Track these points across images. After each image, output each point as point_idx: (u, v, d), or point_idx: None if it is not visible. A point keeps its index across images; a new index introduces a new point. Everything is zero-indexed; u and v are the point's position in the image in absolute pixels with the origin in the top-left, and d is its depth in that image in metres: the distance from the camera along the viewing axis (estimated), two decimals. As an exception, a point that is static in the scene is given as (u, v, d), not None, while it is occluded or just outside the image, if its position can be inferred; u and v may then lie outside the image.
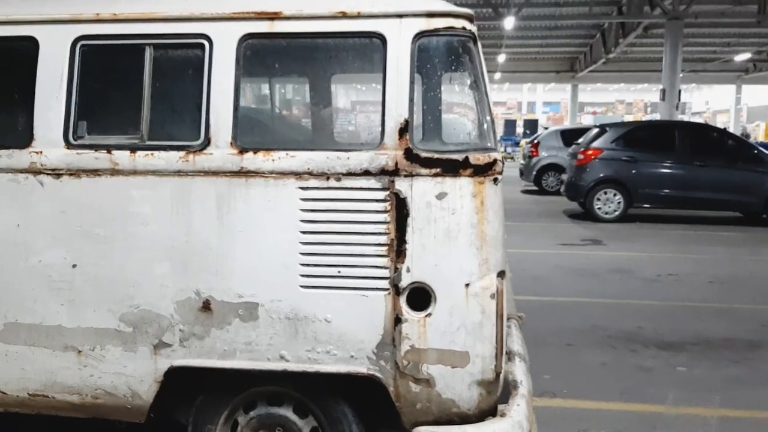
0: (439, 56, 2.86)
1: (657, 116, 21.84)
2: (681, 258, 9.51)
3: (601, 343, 5.81)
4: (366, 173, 2.76)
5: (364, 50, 2.88)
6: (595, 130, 13.71)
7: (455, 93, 2.86)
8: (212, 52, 2.84)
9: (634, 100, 57.67)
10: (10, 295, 2.96)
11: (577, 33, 28.40)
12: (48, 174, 2.90)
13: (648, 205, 12.76)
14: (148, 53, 2.88)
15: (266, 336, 2.85)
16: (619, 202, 12.68)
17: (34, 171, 2.90)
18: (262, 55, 2.91)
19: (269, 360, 2.86)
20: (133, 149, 2.87)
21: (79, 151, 2.89)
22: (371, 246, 2.77)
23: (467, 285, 2.76)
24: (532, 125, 37.44)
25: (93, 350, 2.94)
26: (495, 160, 2.78)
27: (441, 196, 2.74)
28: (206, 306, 2.87)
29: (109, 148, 2.87)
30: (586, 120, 44.37)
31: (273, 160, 2.79)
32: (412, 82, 2.77)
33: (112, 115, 3.03)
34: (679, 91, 18.66)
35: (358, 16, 2.80)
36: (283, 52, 2.93)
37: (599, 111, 54.75)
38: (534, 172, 18.12)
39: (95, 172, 2.88)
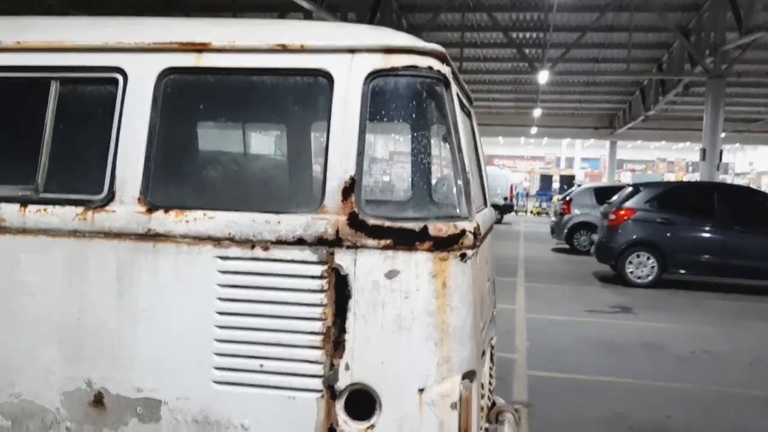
0: (398, 101, 2.31)
1: (697, 176, 20.99)
2: (719, 333, 8.66)
3: (622, 436, 5.06)
4: (300, 242, 2.20)
5: (308, 91, 2.36)
6: (629, 189, 12.98)
7: (417, 147, 2.30)
8: (126, 89, 2.34)
9: (675, 158, 56.49)
10: None
11: (615, 89, 27.87)
12: (-76, 230, 2.40)
13: (684, 271, 11.91)
14: (54, 89, 2.41)
15: (169, 442, 2.27)
16: (652, 267, 11.86)
17: None
18: (186, 93, 2.41)
19: (172, 473, 2.28)
20: (24, 203, 2.37)
21: (-38, 203, 2.40)
22: (302, 335, 2.20)
23: (421, 390, 2.16)
24: (568, 181, 36.67)
25: (-37, 448, 2.40)
26: (464, 231, 2.20)
27: (391, 274, 2.17)
28: (98, 400, 2.31)
29: (-5, 201, 2.38)
30: (625, 178, 43.41)
31: (187, 221, 2.26)
32: (362, 132, 2.22)
33: (5, 161, 2.55)
34: (721, 152, 17.84)
35: (301, 50, 2.29)
36: (211, 91, 2.42)
37: (638, 169, 53.68)
38: (565, 230, 17.36)
39: (-23, 230, 2.38)
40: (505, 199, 26.34)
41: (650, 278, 11.86)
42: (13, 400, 2.36)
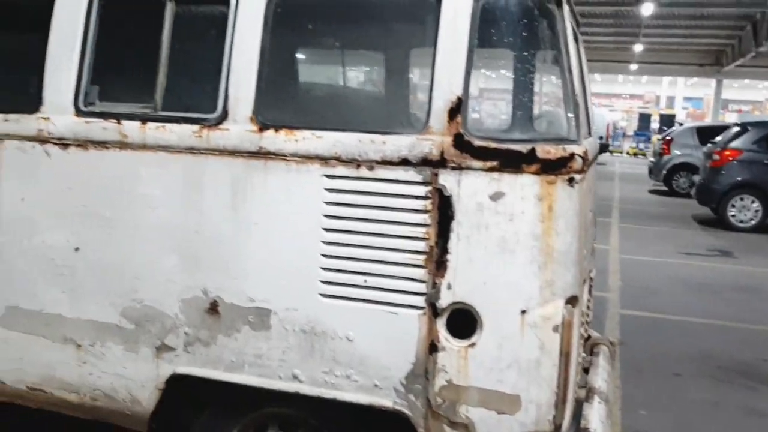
0: (509, 21, 2.26)
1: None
2: (827, 280, 8.23)
3: (713, 375, 4.96)
4: (404, 162, 2.23)
5: (416, 11, 2.34)
6: (735, 129, 12.28)
7: (527, 68, 2.25)
8: (238, 9, 2.39)
9: (787, 99, 52.69)
10: (12, 276, 2.67)
11: (724, 24, 26.03)
12: (55, 144, 2.57)
13: (791, 216, 11.29)
14: (170, 9, 2.48)
15: (278, 350, 2.40)
16: (756, 210, 11.29)
17: (41, 139, 2.59)
18: (296, 13, 2.43)
19: (281, 378, 2.41)
20: (144, 120, 2.48)
21: (88, 119, 2.54)
22: (405, 253, 2.25)
23: (523, 312, 2.18)
24: (668, 120, 34.96)
25: (93, 346, 2.61)
26: (572, 155, 2.16)
27: (496, 196, 2.17)
28: (214, 308, 2.45)
29: (119, 118, 2.51)
30: (729, 118, 40.98)
31: (296, 140, 2.32)
32: (470, 51, 2.19)
33: (126, 79, 2.67)
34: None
35: (411, -33, 2.26)
36: (319, 11, 2.44)
37: (745, 109, 50.51)
38: (664, 171, 16.69)
39: (103, 145, 2.52)
40: (601, 138, 25.46)
41: (753, 222, 11.33)
42: (136, 305, 2.54)
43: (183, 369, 2.51)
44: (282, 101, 2.50)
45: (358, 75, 3.08)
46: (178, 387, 2.54)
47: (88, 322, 2.60)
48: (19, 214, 2.63)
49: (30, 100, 2.60)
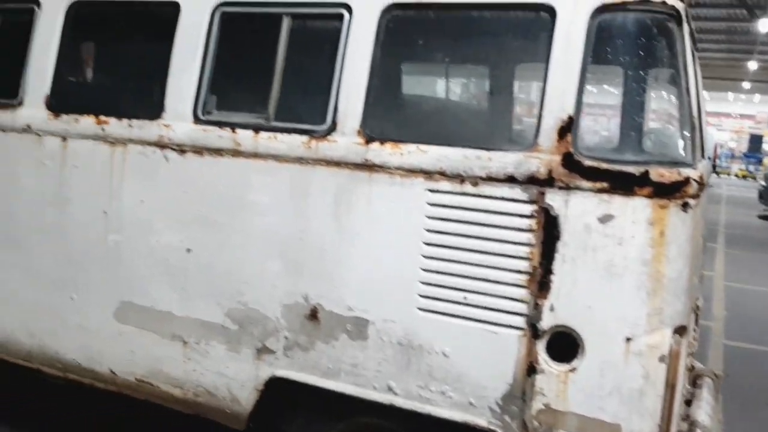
0: (625, 39, 2.21)
1: None
2: None
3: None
4: (510, 180, 2.21)
5: (529, 27, 2.32)
6: None
7: (642, 87, 2.19)
8: (351, 25, 2.44)
9: None
10: (128, 272, 2.82)
11: None
12: (173, 149, 2.70)
13: None
14: (286, 25, 2.56)
15: (374, 360, 2.42)
16: None
17: (161, 145, 2.72)
18: (407, 29, 2.46)
19: (375, 389, 2.43)
20: (257, 129, 2.57)
21: (206, 127, 2.65)
22: (507, 272, 2.22)
23: (628, 339, 2.11)
24: (782, 143, 33.08)
25: (198, 344, 2.72)
26: (687, 179, 2.08)
27: (605, 219, 2.11)
28: (314, 314, 2.50)
29: (233, 127, 2.61)
30: None
31: (401, 154, 2.34)
32: (584, 70, 2.15)
33: (242, 90, 2.77)
34: None
35: (525, -16, 2.25)
36: (430, 26, 2.46)
37: None
38: (776, 197, 15.80)
39: (218, 152, 2.63)
40: (708, 158, 24.37)
41: None
42: (240, 307, 2.63)
43: (282, 372, 2.57)
44: (388, 115, 2.53)
45: (463, 90, 3.08)
46: (276, 389, 2.61)
47: (195, 320, 2.71)
48: (138, 215, 2.78)
49: (152, 108, 2.75)
